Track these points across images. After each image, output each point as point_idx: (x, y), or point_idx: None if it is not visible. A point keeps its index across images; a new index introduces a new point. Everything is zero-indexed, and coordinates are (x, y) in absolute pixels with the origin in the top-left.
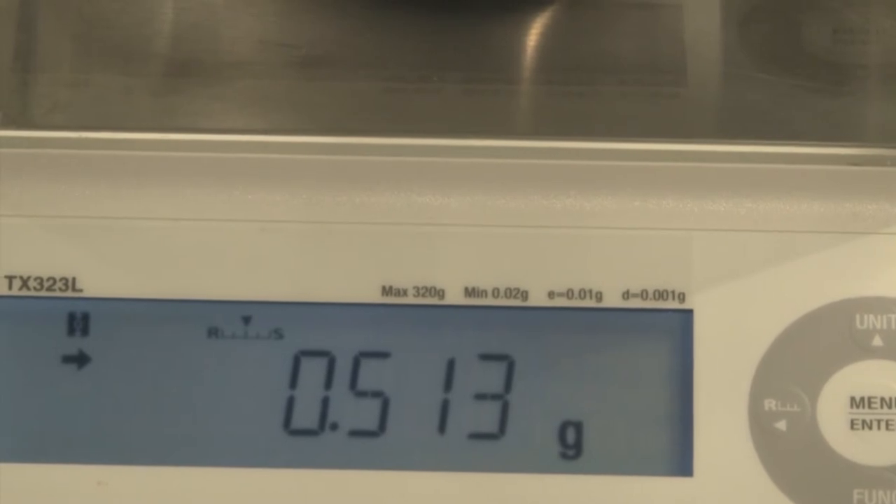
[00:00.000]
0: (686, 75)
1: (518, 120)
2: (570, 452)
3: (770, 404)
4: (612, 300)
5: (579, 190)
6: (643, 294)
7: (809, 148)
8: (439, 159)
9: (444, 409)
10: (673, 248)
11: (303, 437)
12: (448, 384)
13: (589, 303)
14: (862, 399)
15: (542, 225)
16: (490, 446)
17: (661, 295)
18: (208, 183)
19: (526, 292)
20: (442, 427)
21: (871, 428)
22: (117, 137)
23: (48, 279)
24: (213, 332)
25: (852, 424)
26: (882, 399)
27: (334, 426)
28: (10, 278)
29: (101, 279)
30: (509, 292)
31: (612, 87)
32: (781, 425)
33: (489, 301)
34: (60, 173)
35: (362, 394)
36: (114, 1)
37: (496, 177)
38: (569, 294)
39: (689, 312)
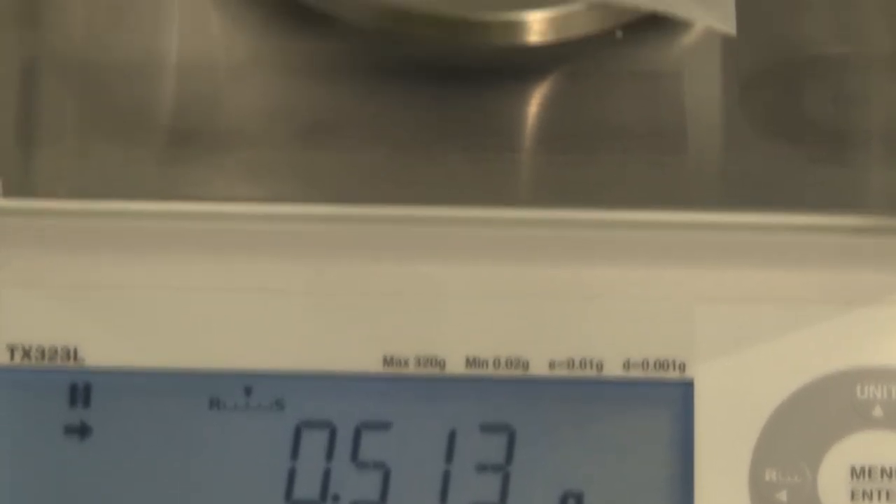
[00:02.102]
0: (687, 143)
1: (520, 189)
2: None
3: (771, 474)
4: (613, 369)
5: (580, 259)
6: (644, 364)
7: (811, 217)
8: (441, 228)
9: (446, 480)
10: (674, 317)
11: None
12: (449, 455)
13: (590, 372)
14: (863, 469)
15: (543, 294)
16: None
17: (661, 365)
18: (210, 252)
19: (527, 361)
20: (443, 498)
21: (871, 499)
22: (119, 207)
23: (50, 349)
24: (214, 404)
25: (853, 495)
26: (883, 469)
27: (336, 498)
28: (12, 349)
29: (102, 349)
30: (510, 362)
31: (613, 156)
32: (782, 496)
33: (490, 371)
34: (62, 242)
35: (363, 465)
36: (116, 70)
37: (498, 246)
38: (570, 363)
39: (690, 382)
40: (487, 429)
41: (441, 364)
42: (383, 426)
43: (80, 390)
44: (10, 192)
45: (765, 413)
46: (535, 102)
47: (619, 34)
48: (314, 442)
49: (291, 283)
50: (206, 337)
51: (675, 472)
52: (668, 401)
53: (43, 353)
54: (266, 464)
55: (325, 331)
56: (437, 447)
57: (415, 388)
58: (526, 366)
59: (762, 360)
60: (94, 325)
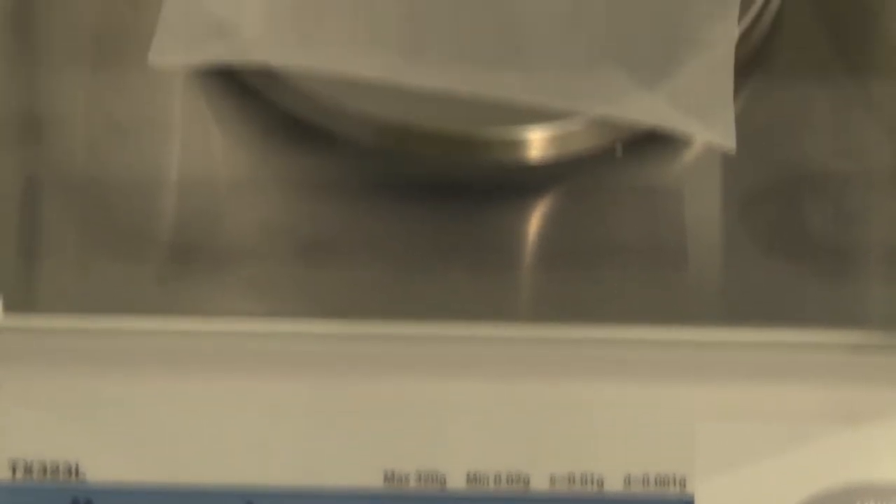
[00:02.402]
0: (687, 259)
1: (521, 306)
2: None
3: None
4: (614, 485)
5: (581, 375)
6: (645, 479)
7: (812, 333)
8: (442, 345)
9: None
10: (674, 433)
11: None
12: None
13: (591, 488)
14: None
15: (544, 410)
16: None
17: (662, 480)
18: (211, 368)
19: (528, 477)
20: None
21: None
22: (120, 324)
23: (52, 465)
24: None
25: None
26: None
27: None
28: (14, 464)
29: (103, 465)
30: (511, 478)
31: (614, 273)
32: None
33: (491, 486)
34: (63, 358)
35: None
36: (117, 186)
37: (499, 362)
38: (570, 479)
39: (691, 498)
40: None
41: (442, 480)
42: None
43: None
44: (11, 308)
45: None
46: (535, 219)
47: (618, 151)
48: None
49: (292, 399)
50: (206, 452)
51: None
52: None
53: (45, 468)
54: None
55: (325, 446)
56: None
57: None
58: (527, 481)
59: (763, 476)
60: (96, 441)
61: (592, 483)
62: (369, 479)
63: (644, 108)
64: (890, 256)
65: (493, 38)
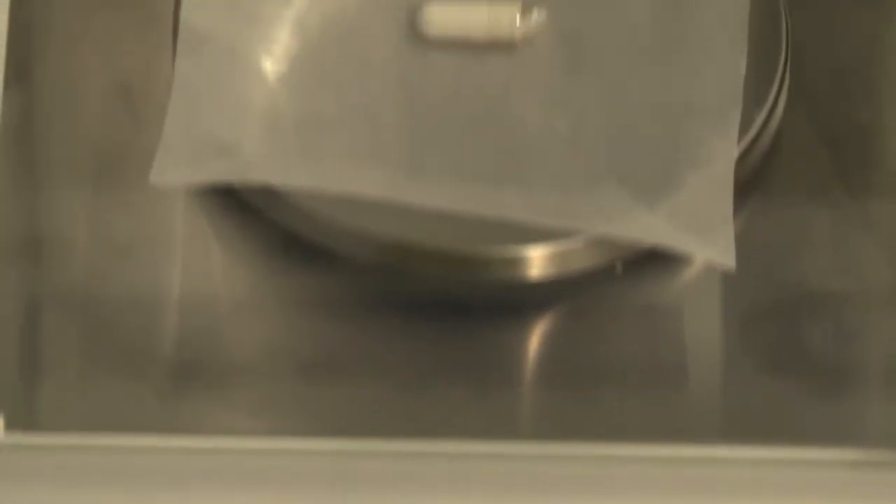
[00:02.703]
0: (687, 378)
1: (521, 424)
2: None
3: None
4: None
5: (582, 493)
6: None
7: (811, 451)
8: (443, 462)
9: None
10: None
11: None
12: None
13: None
14: None
15: None
16: None
17: None
18: (212, 486)
19: None
20: None
21: None
22: (122, 442)
23: None
24: None
25: None
26: None
27: None
28: None
29: None
30: None
31: (614, 391)
32: None
33: None
34: (65, 476)
35: None
36: (119, 304)
37: (500, 480)
38: None
39: None
40: None
41: None
42: None
43: None
44: (12, 427)
45: None
46: (536, 337)
47: (618, 269)
48: None
49: None
50: None
51: None
52: None
53: None
54: None
55: None
56: None
57: None
58: None
59: None
60: None
61: None
62: None
63: (644, 227)
64: (889, 374)
65: (493, 157)
